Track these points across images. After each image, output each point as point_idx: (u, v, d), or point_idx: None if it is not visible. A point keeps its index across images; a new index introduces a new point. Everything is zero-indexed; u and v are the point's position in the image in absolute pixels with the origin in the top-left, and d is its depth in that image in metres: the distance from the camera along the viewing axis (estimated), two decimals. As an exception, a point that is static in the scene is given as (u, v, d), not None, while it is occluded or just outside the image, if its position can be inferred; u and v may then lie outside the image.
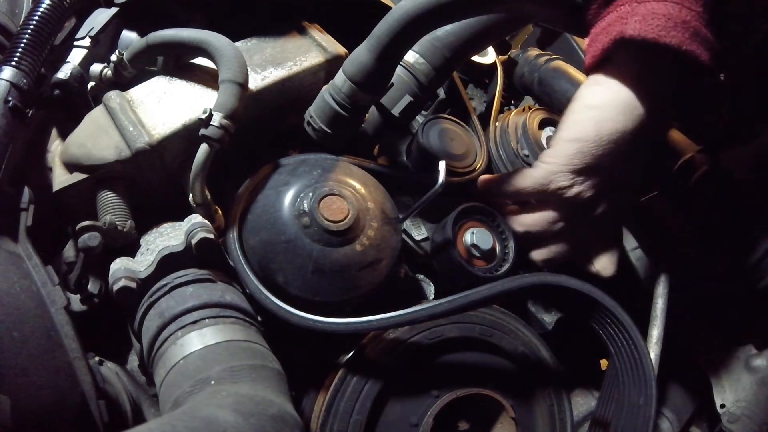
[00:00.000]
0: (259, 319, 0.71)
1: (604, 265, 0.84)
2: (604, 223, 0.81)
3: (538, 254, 0.85)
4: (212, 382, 0.58)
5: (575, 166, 0.74)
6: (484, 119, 1.04)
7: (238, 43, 0.81)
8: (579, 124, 0.74)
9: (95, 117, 0.75)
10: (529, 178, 0.79)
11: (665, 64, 0.70)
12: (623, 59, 0.72)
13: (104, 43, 0.85)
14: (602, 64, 0.73)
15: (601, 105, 0.73)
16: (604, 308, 0.74)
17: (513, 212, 0.86)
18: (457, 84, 1.02)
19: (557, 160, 0.75)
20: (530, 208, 0.84)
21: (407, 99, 0.87)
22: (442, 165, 0.76)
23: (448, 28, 0.87)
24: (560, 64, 1.16)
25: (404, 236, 0.84)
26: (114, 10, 0.85)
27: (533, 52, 1.22)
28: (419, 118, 1.00)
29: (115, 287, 0.66)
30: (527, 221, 0.83)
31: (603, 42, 0.70)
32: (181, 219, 0.74)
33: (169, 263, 0.69)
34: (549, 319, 0.91)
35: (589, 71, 0.76)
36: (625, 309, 0.74)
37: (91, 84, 0.82)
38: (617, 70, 0.72)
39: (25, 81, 0.72)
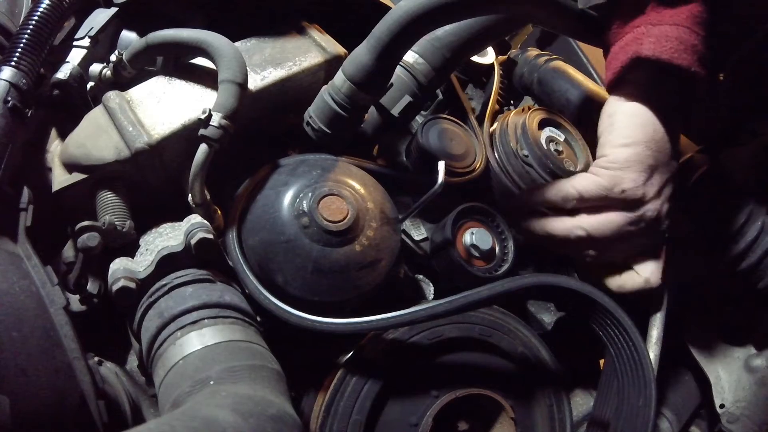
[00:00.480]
0: (258, 319, 0.71)
1: (652, 270, 0.81)
2: (660, 228, 0.80)
3: (608, 253, 0.81)
4: (211, 382, 0.58)
5: (635, 168, 0.76)
6: (483, 119, 1.04)
7: (237, 43, 0.81)
8: (626, 129, 0.76)
9: (94, 117, 0.75)
10: (594, 183, 0.77)
11: (673, 81, 0.76)
12: (638, 76, 0.76)
13: (104, 43, 0.85)
14: (623, 80, 0.78)
15: (638, 113, 0.76)
16: (603, 309, 0.74)
17: (548, 216, 0.82)
18: (455, 84, 1.02)
19: (617, 164, 0.76)
20: (587, 211, 0.80)
21: (407, 99, 0.87)
22: (441, 165, 0.76)
23: (447, 28, 0.87)
24: (560, 64, 1.16)
25: (404, 236, 0.84)
26: (114, 10, 0.85)
27: (533, 52, 1.22)
28: (419, 118, 1.00)
29: (115, 287, 0.66)
30: (592, 223, 0.78)
31: (621, 60, 0.75)
32: (181, 219, 0.73)
33: (168, 263, 0.69)
34: (549, 319, 0.91)
35: (609, 85, 0.80)
36: (624, 310, 0.74)
37: (90, 84, 0.82)
38: (635, 86, 0.77)
39: (24, 81, 0.72)
